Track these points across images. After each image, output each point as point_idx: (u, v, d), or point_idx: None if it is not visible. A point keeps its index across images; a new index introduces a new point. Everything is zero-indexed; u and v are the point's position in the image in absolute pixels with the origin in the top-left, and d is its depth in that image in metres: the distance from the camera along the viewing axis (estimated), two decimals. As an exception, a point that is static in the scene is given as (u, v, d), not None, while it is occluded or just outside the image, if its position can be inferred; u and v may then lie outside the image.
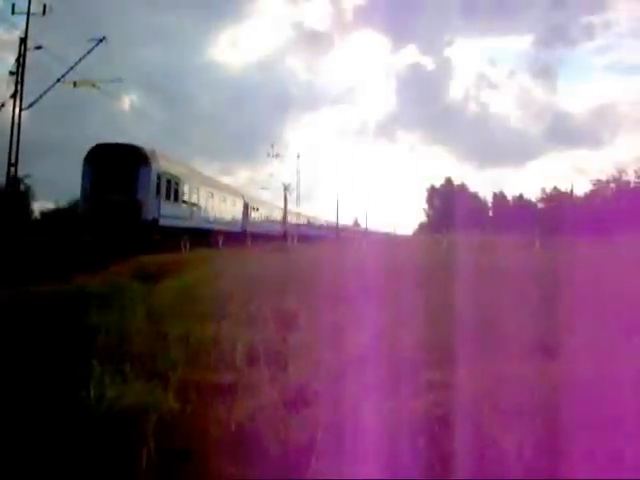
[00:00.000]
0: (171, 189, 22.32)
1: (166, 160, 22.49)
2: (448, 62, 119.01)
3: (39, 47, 21.96)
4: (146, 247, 17.81)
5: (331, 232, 55.54)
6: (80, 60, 23.06)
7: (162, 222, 20.86)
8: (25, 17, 21.95)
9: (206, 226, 26.83)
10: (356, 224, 78.41)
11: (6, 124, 21.67)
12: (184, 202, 23.96)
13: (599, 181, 68.36)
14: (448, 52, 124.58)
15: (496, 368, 3.76)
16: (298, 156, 50.50)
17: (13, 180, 22.51)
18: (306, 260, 14.45)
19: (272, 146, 48.64)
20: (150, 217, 20.04)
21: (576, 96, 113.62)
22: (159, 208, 20.72)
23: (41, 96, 22.80)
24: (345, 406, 3.24)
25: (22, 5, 22.15)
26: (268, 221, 41.68)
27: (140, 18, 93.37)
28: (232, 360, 4.16)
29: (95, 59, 23.74)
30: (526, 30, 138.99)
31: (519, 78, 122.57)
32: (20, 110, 21.87)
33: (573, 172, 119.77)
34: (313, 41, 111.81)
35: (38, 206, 47.79)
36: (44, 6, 22.00)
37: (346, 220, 71.72)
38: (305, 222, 54.48)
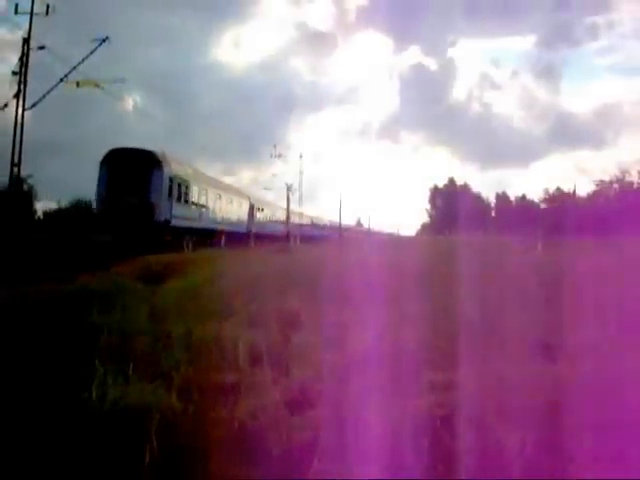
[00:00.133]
0: (182, 191, 23.21)
1: (177, 163, 23.34)
2: (451, 63, 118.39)
3: (42, 47, 21.95)
4: (158, 247, 18.48)
5: (334, 232, 55.47)
6: (83, 60, 23.01)
7: (173, 223, 21.75)
8: (28, 17, 21.94)
9: (214, 227, 27.50)
10: (359, 224, 78.28)
11: (9, 124, 21.69)
12: (194, 204, 24.79)
13: (602, 182, 68.13)
14: (451, 53, 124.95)
15: (499, 368, 3.76)
16: (300, 156, 50.52)
17: (16, 180, 22.57)
18: (309, 260, 14.45)
19: (275, 146, 48.63)
20: (162, 218, 20.96)
21: (579, 97, 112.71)
22: (171, 210, 21.63)
23: (44, 96, 22.81)
24: (347, 406, 3.24)
25: (25, 5, 22.13)
26: (272, 222, 41.84)
27: (143, 18, 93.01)
28: (235, 360, 4.17)
29: (98, 59, 23.74)
30: (529, 31, 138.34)
31: (522, 79, 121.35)
32: (23, 110, 21.83)
33: (576, 173, 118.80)
34: (316, 42, 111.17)
35: (41, 206, 47.78)
36: (47, 6, 21.92)
37: (349, 220, 71.69)
38: (308, 222, 54.47)
